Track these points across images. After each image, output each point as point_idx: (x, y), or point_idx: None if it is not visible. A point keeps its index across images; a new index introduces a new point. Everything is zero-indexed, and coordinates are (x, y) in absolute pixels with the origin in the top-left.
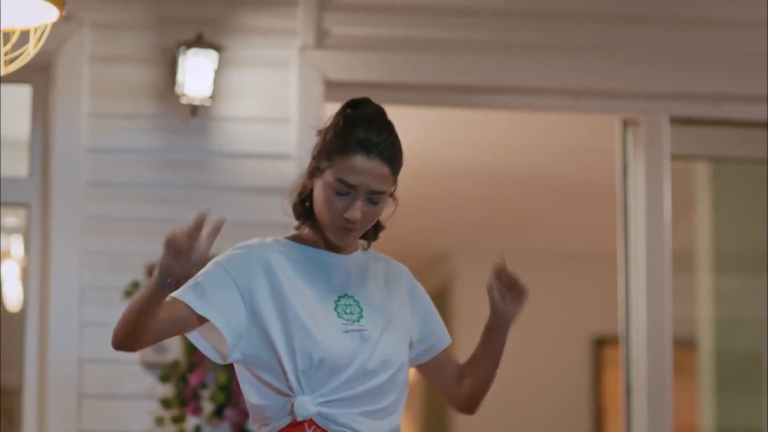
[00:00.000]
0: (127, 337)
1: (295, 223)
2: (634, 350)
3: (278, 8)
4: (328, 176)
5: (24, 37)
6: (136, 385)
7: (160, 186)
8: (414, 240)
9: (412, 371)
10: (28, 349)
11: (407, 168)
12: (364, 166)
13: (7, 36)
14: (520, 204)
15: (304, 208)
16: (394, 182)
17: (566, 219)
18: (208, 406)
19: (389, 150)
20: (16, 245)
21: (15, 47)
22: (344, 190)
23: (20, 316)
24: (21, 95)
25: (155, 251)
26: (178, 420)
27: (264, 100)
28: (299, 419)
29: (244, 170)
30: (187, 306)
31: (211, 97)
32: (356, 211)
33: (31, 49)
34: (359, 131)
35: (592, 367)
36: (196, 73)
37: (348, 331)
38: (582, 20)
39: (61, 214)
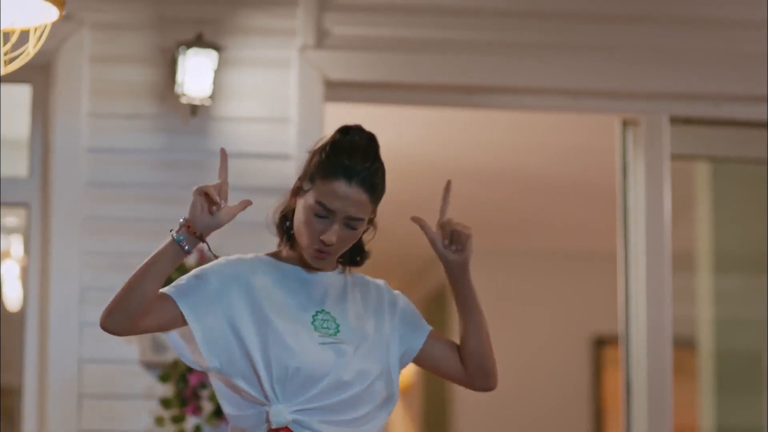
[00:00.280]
0: (118, 306)
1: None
2: (634, 350)
3: (278, 8)
4: (310, 198)
5: (24, 36)
6: (136, 385)
7: (160, 186)
8: (414, 240)
9: (412, 372)
10: (28, 349)
11: (408, 168)
12: (344, 192)
13: (7, 36)
14: (520, 204)
15: (284, 226)
16: (374, 211)
17: (566, 219)
18: (207, 406)
19: (371, 179)
20: (16, 245)
21: (15, 47)
22: (323, 213)
23: (20, 316)
24: (21, 95)
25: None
26: (178, 420)
27: (264, 100)
28: (274, 426)
29: (244, 170)
30: (172, 301)
31: (211, 97)
32: (332, 234)
33: (31, 49)
34: (344, 157)
35: (592, 367)
36: (196, 73)
37: (324, 343)
38: (582, 20)
39: (61, 214)
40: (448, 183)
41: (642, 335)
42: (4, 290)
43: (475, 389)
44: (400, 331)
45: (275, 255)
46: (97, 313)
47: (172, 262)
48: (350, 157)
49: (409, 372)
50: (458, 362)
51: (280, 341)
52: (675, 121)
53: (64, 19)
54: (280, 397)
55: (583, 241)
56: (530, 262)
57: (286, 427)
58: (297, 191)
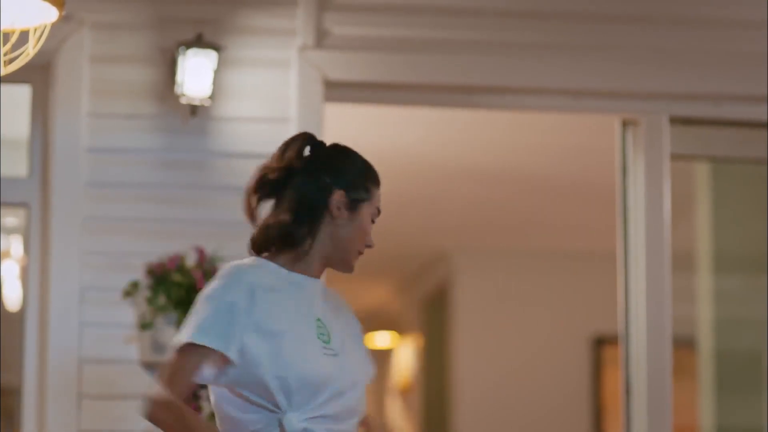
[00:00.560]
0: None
1: None
2: (634, 350)
3: (278, 8)
4: (370, 206)
5: (24, 37)
6: (135, 385)
7: (159, 186)
8: (414, 240)
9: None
10: (28, 350)
11: (407, 168)
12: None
13: (6, 36)
14: (520, 204)
15: (302, 236)
16: None
17: (566, 219)
18: (207, 407)
19: None
20: (15, 245)
21: (15, 47)
22: (376, 217)
23: (20, 315)
24: (21, 95)
25: (155, 251)
26: None
27: (264, 100)
28: None
29: (243, 170)
30: (211, 349)
31: (210, 97)
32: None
33: (30, 49)
34: (371, 167)
35: (592, 367)
36: (195, 73)
37: (326, 354)
38: (582, 20)
39: (61, 214)
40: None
41: (642, 335)
42: (4, 290)
43: None
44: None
45: (271, 260)
46: (97, 314)
47: None
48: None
49: (410, 371)
50: None
51: (290, 350)
52: (675, 121)
53: (63, 19)
54: (292, 405)
55: (583, 241)
56: (530, 261)
57: None
58: (352, 204)
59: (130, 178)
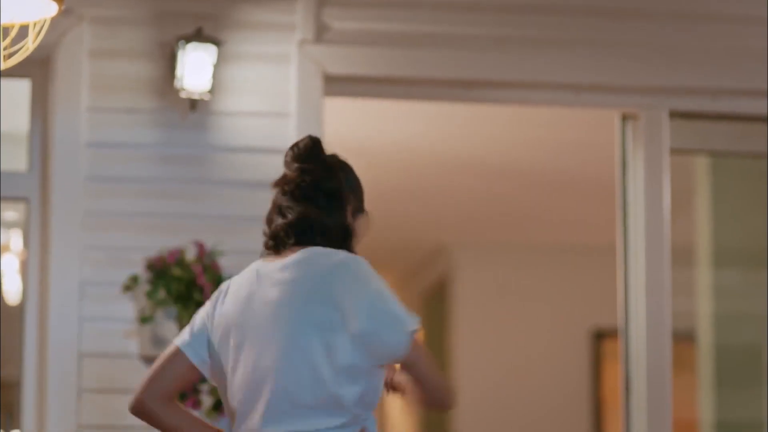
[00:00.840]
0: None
1: None
2: (634, 344)
3: (277, 3)
4: (365, 214)
5: (23, 31)
6: (135, 379)
7: (159, 180)
8: (413, 234)
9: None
10: (28, 344)
11: (406, 162)
12: None
13: (6, 31)
14: (520, 198)
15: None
16: None
17: (566, 213)
18: (207, 400)
19: None
20: (15, 239)
21: (14, 42)
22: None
23: (20, 309)
24: (20, 90)
25: (155, 246)
26: None
27: (263, 94)
28: None
29: (243, 164)
30: None
31: (210, 92)
32: None
33: (30, 44)
34: None
35: (592, 361)
36: (195, 68)
37: None
38: (581, 15)
39: (61, 208)
40: None
41: (641, 329)
42: (3, 284)
43: None
44: None
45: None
46: (96, 308)
47: None
48: None
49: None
50: None
51: None
52: (674, 115)
53: (63, 13)
54: None
55: (582, 235)
56: (530, 256)
57: None
58: (360, 210)
59: (129, 172)
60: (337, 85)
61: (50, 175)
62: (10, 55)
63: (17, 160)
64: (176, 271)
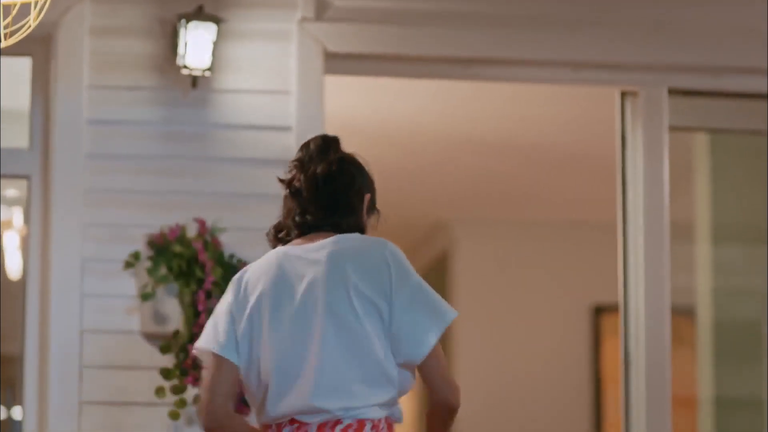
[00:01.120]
0: None
1: None
2: (633, 320)
3: None
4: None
5: (25, 9)
6: (136, 355)
7: (160, 158)
8: (414, 210)
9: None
10: (29, 320)
11: (407, 139)
12: None
13: (7, 9)
14: (520, 174)
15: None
16: None
17: (566, 189)
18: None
19: None
20: (17, 215)
21: (15, 20)
22: None
23: (21, 285)
24: (22, 67)
25: (156, 223)
26: (179, 390)
27: (264, 72)
28: None
29: (244, 142)
30: None
31: (210, 70)
32: None
33: (32, 22)
34: None
35: (592, 336)
36: (196, 46)
37: None
38: None
39: (62, 185)
40: None
41: (641, 305)
42: (5, 260)
43: None
44: None
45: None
46: (98, 285)
47: None
48: None
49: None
50: None
51: None
52: (674, 92)
53: None
54: None
55: (582, 212)
56: (530, 232)
57: None
58: (373, 208)
59: (130, 149)
60: (337, 62)
61: (51, 153)
62: (12, 33)
63: (18, 138)
64: (177, 248)
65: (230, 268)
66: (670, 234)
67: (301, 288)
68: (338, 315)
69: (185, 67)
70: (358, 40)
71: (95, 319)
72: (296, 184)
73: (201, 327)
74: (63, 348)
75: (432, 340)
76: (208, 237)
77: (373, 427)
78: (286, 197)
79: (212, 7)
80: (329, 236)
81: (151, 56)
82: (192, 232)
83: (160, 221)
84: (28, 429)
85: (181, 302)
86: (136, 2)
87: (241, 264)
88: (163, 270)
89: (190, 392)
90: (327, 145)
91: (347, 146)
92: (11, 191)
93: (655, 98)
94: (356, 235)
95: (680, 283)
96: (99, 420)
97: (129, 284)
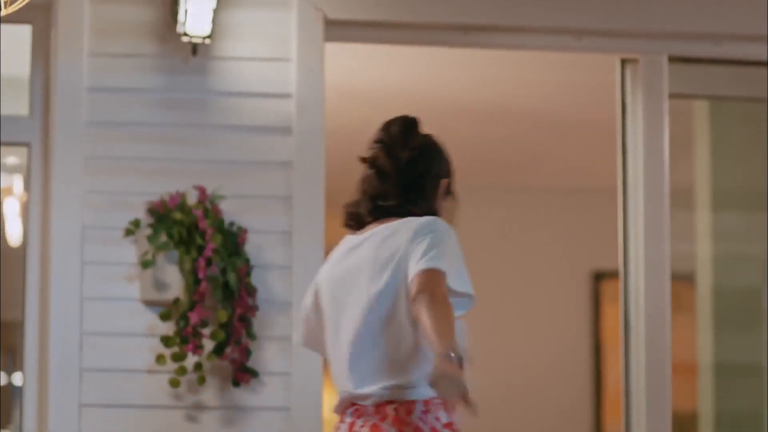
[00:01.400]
0: None
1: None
2: (633, 286)
3: None
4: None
5: None
6: (136, 322)
7: (160, 125)
8: None
9: None
10: (30, 287)
11: (407, 105)
12: None
13: None
14: (520, 141)
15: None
16: None
17: (566, 156)
18: (208, 344)
19: None
20: (17, 182)
21: None
22: None
23: (21, 253)
24: (22, 35)
25: (156, 190)
26: (179, 358)
27: (264, 39)
28: None
29: (244, 109)
30: None
31: (210, 37)
32: None
33: None
34: None
35: (592, 302)
36: (197, 13)
37: None
38: None
39: (62, 153)
40: None
41: (641, 271)
42: (5, 227)
43: None
44: None
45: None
46: (98, 252)
47: None
48: None
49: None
50: None
51: None
52: (674, 60)
53: None
54: None
55: (582, 178)
56: (530, 198)
57: None
58: (449, 192)
59: (131, 117)
60: (337, 29)
61: (52, 120)
62: (12, 1)
63: (19, 105)
64: (177, 216)
65: (230, 235)
66: (670, 201)
67: (349, 277)
68: (370, 301)
69: (185, 34)
70: (359, 7)
71: (95, 287)
72: (382, 165)
73: (201, 294)
74: (63, 315)
75: (436, 264)
76: (209, 204)
77: (425, 403)
78: (365, 178)
79: None
80: (378, 224)
81: (151, 24)
82: (192, 199)
83: (161, 189)
84: (28, 395)
85: (182, 269)
86: None
87: (242, 231)
88: (163, 237)
89: (190, 360)
90: (409, 128)
91: (350, 114)
92: (11, 158)
93: (656, 65)
94: (401, 222)
95: (680, 250)
96: (99, 386)
97: (129, 251)
